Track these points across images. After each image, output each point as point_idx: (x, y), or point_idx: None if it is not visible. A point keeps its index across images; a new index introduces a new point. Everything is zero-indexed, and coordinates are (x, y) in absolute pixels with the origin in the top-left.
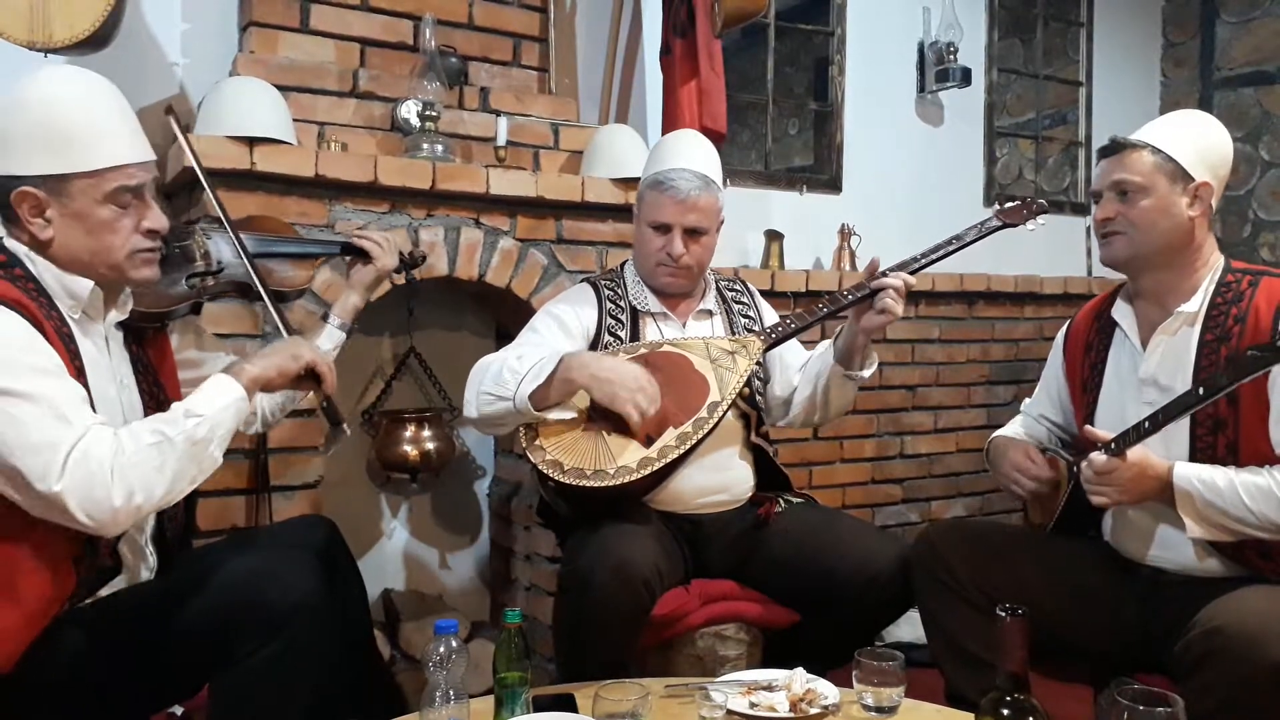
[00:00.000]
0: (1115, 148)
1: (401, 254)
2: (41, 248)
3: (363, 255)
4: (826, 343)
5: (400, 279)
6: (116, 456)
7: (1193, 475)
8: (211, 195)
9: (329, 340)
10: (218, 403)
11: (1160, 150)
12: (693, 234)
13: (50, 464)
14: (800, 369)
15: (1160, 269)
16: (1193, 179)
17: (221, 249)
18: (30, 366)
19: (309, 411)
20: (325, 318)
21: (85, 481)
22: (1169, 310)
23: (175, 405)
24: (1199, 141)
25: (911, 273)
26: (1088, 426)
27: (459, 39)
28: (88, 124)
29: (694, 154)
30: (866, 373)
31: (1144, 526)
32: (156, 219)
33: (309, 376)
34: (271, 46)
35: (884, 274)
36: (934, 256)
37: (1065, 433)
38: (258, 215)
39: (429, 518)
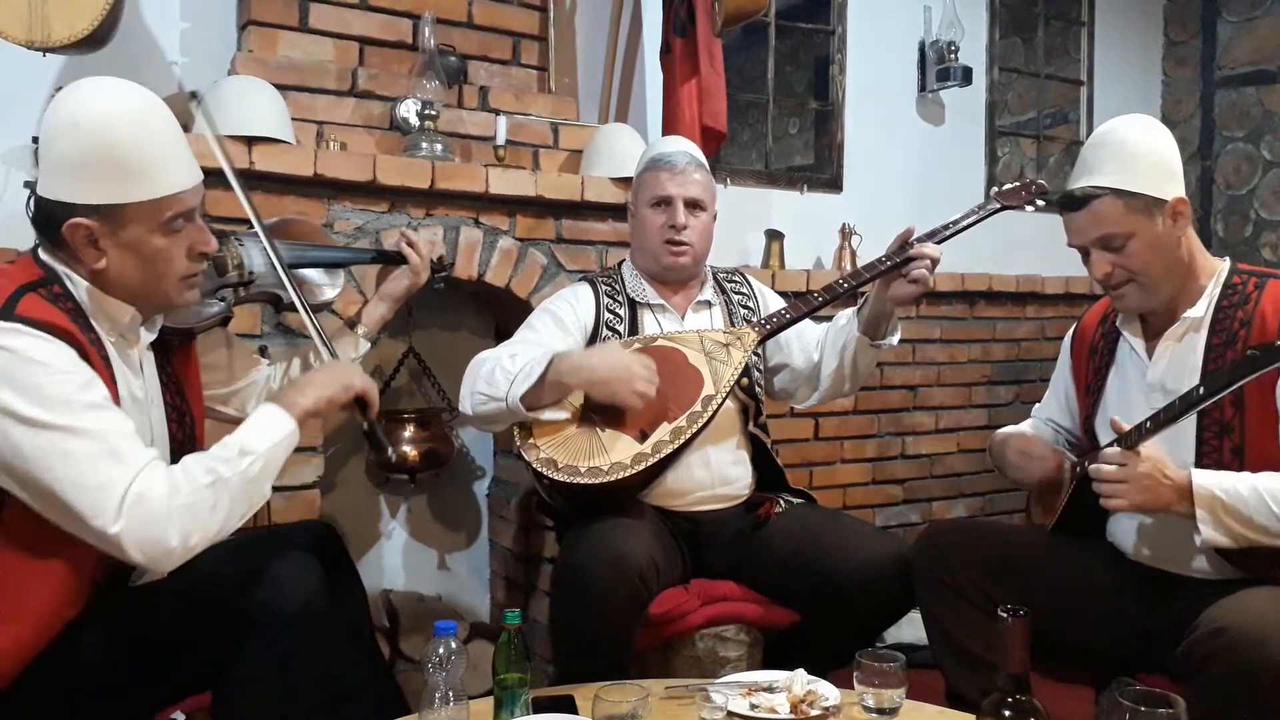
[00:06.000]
0: (1078, 203)
1: (430, 259)
2: (91, 275)
3: (398, 263)
4: (848, 312)
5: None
6: (173, 498)
7: (1214, 483)
8: (247, 203)
9: (354, 350)
10: (270, 439)
11: (1123, 191)
12: (692, 208)
13: (105, 504)
14: (818, 344)
15: (1169, 294)
16: (1165, 200)
17: (254, 258)
18: (85, 403)
19: None
20: (353, 326)
21: (142, 524)
22: (1175, 317)
23: (228, 440)
24: (1150, 158)
25: (938, 243)
26: (1114, 417)
27: (458, 38)
28: (147, 151)
29: (685, 143)
30: (894, 339)
31: (1147, 528)
32: (207, 241)
33: (355, 403)
34: (270, 45)
35: (914, 243)
36: (955, 229)
37: (1072, 436)
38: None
39: (428, 518)
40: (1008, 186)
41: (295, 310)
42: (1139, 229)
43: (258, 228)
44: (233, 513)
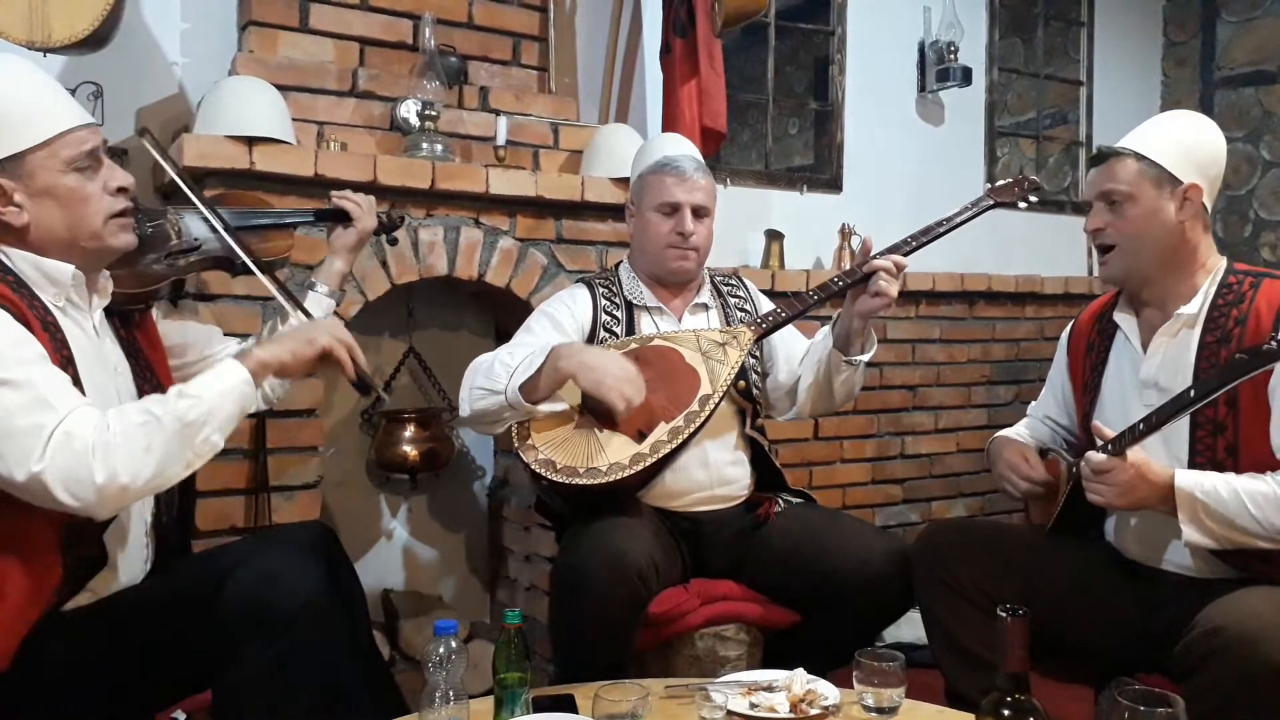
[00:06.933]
0: (1101, 157)
1: (380, 216)
2: (18, 235)
3: (341, 219)
4: (825, 329)
5: (387, 241)
6: (99, 434)
7: (1194, 485)
8: (178, 178)
9: (317, 308)
10: (216, 386)
11: (1144, 156)
12: (697, 214)
13: (32, 448)
14: (801, 360)
15: (1157, 279)
16: (1180, 182)
17: (195, 226)
18: (16, 358)
19: (308, 411)
20: (311, 286)
21: (67, 461)
22: (1169, 313)
23: (172, 388)
24: (1184, 143)
25: (905, 254)
26: (1096, 422)
27: (459, 38)
28: (25, 99)
29: (687, 145)
30: (865, 357)
31: (1145, 528)
32: (121, 176)
33: (329, 360)
34: (271, 46)
35: (875, 256)
36: (926, 239)
37: (1070, 434)
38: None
39: (428, 518)
40: (1001, 183)
41: (248, 272)
42: (1142, 194)
43: (192, 196)
44: (170, 457)
